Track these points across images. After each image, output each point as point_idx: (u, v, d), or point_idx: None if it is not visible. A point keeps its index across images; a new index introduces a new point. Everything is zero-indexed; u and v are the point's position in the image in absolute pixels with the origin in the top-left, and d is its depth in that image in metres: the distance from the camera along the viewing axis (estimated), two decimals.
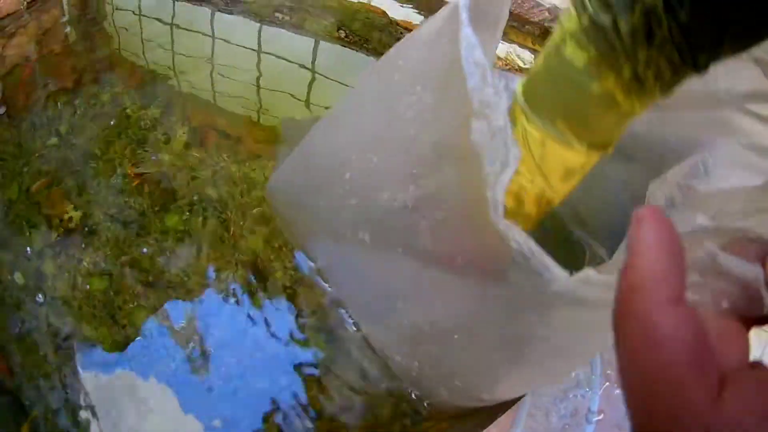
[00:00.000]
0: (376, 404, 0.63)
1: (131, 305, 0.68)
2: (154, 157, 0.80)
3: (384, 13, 0.99)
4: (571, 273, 0.21)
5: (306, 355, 0.66)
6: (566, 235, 0.61)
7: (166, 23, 0.98)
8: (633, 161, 0.43)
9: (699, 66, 0.34)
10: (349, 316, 0.66)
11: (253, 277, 0.71)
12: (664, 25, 0.33)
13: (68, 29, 0.97)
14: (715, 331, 0.13)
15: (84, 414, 0.63)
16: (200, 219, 0.75)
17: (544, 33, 0.98)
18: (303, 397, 0.63)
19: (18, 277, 0.70)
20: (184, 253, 0.73)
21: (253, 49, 0.94)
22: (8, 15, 0.95)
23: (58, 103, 0.85)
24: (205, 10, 0.99)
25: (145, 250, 0.73)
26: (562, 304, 0.21)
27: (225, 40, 0.96)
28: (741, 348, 0.14)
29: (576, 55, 0.36)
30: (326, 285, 0.69)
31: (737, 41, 0.33)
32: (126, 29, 0.97)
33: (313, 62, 0.93)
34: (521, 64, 0.96)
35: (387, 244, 0.34)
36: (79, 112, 0.84)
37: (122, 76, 0.89)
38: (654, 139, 0.40)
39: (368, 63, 0.94)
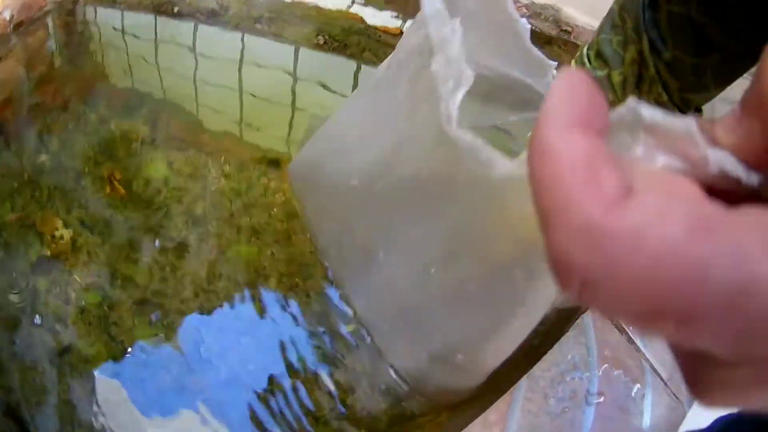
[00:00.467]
0: (372, 403, 0.65)
1: (127, 320, 0.70)
2: (142, 173, 0.82)
3: (362, 19, 1.02)
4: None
5: (304, 359, 0.67)
6: None
7: (149, 40, 1.01)
8: None
9: (689, 105, 0.38)
10: (343, 299, 0.69)
11: (246, 288, 0.72)
12: (650, 67, 0.37)
13: (55, 50, 1.00)
14: (652, 182, 0.12)
15: (84, 428, 0.64)
16: (190, 233, 0.77)
17: None
18: (301, 400, 0.65)
19: (12, 296, 0.71)
20: (177, 266, 0.74)
21: (235, 61, 0.97)
22: None
23: (47, 123, 0.88)
24: (188, 25, 1.02)
25: (137, 265, 0.74)
26: (512, 193, 0.25)
27: (207, 55, 0.99)
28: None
29: None
30: (329, 285, 0.72)
31: (719, 74, 0.37)
32: (111, 48, 1.01)
33: (294, 68, 0.96)
34: None
35: (371, 188, 0.38)
36: (68, 129, 0.87)
37: (108, 94, 0.92)
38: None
39: (349, 66, 0.97)
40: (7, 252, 0.75)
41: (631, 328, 0.64)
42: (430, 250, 0.36)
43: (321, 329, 0.69)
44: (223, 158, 0.84)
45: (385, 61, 0.39)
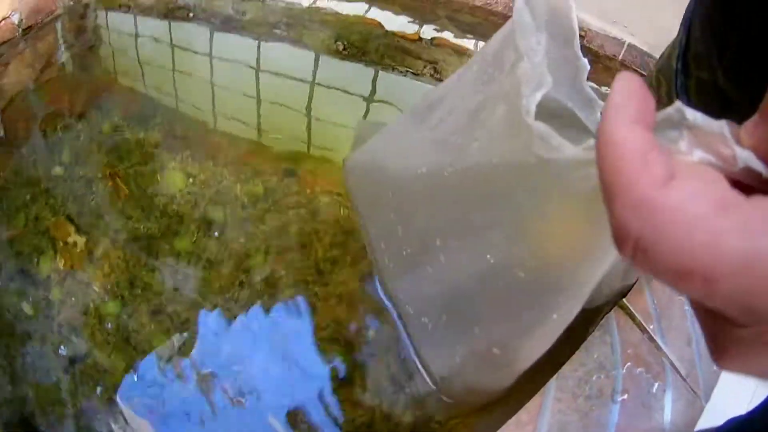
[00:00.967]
0: (401, 409, 0.66)
1: (144, 329, 0.71)
2: (157, 181, 0.84)
3: (380, 24, 1.05)
4: None
5: (324, 367, 0.68)
6: None
7: (163, 45, 1.02)
8: None
9: None
10: (386, 293, 0.71)
11: (265, 294, 0.73)
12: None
13: (65, 56, 1.01)
14: (686, 170, 0.16)
15: None
16: (207, 240, 0.78)
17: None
18: (324, 409, 0.66)
19: (27, 306, 0.73)
20: (193, 274, 0.76)
21: (252, 67, 0.99)
22: (3, 42, 0.99)
23: (59, 131, 0.89)
24: (204, 30, 1.03)
25: (154, 273, 0.75)
26: (576, 172, 0.30)
27: (224, 59, 1.00)
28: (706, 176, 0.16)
29: None
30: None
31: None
32: (123, 53, 1.02)
33: (313, 76, 0.98)
34: None
35: (440, 174, 0.43)
36: (81, 138, 0.88)
37: (121, 101, 0.93)
38: None
39: (367, 74, 0.99)
40: (20, 262, 0.77)
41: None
42: (492, 236, 0.41)
43: (345, 338, 0.71)
44: (239, 165, 0.85)
45: (457, 72, 0.44)
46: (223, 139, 0.89)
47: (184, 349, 0.70)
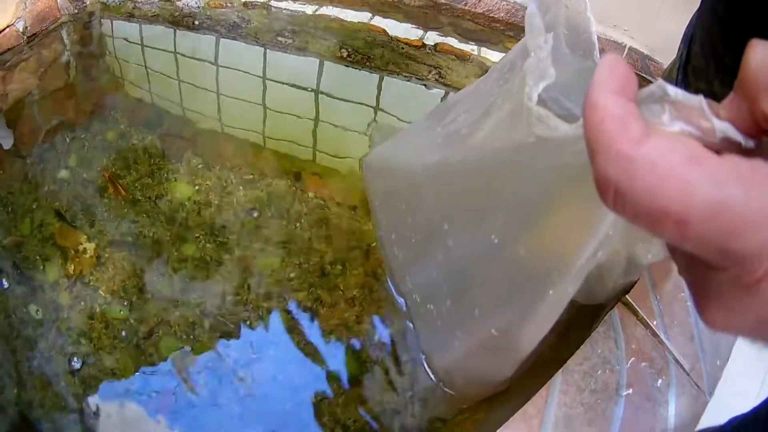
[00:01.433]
0: (406, 408, 0.69)
1: (153, 333, 0.73)
2: (164, 187, 0.86)
3: (384, 31, 1.09)
4: None
5: (331, 368, 0.70)
6: None
7: (168, 53, 1.05)
8: None
9: None
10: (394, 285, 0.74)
11: (274, 298, 0.75)
12: None
13: (70, 63, 1.04)
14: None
15: None
16: (215, 245, 0.80)
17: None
18: (331, 413, 0.68)
19: (34, 311, 0.74)
20: (203, 278, 0.77)
21: (258, 76, 1.01)
22: (8, 49, 1.02)
23: (66, 138, 0.91)
24: (209, 38, 1.06)
25: (162, 278, 0.77)
26: (571, 146, 0.34)
27: (229, 67, 1.03)
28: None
29: None
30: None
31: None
32: (128, 61, 1.04)
33: (318, 82, 1.01)
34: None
35: (448, 160, 0.48)
36: (87, 145, 0.91)
37: (127, 108, 0.96)
38: None
39: (372, 80, 1.02)
40: (27, 267, 0.78)
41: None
42: (496, 216, 0.46)
43: (351, 340, 0.73)
44: (246, 171, 0.88)
45: (477, 80, 0.50)
46: (229, 146, 0.92)
47: (192, 354, 0.71)
